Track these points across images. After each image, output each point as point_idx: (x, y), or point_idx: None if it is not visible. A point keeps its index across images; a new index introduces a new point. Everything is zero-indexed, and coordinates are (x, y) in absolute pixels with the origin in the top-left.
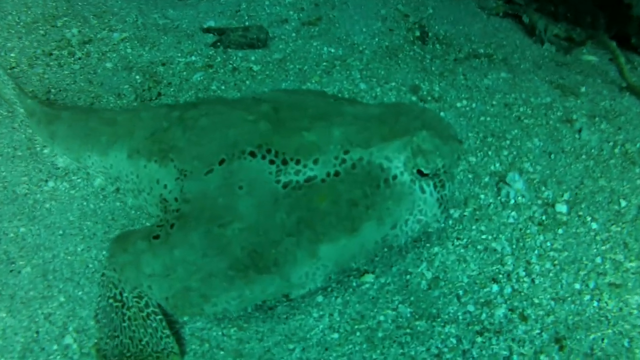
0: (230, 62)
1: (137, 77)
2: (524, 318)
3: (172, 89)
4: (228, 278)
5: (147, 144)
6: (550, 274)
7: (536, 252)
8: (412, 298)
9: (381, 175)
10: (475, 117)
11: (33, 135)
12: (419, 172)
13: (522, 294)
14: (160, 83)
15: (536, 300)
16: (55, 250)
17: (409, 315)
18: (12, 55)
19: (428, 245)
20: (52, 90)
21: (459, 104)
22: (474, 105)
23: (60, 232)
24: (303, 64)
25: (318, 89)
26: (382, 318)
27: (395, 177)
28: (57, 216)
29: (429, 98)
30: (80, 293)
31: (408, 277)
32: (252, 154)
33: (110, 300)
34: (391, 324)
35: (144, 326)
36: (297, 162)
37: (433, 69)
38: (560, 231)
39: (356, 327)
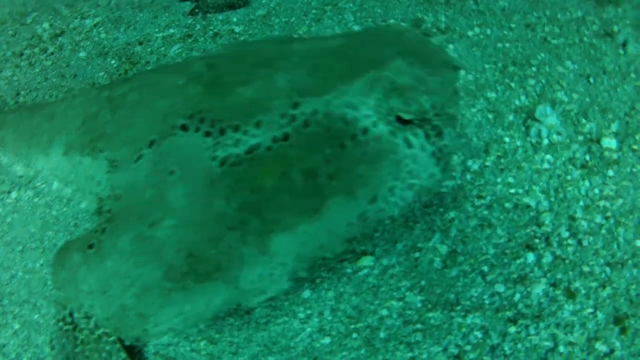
0: (211, 27)
1: (113, 62)
2: (571, 294)
3: (149, 68)
4: (164, 291)
5: (79, 135)
6: (603, 231)
7: (581, 203)
8: (423, 282)
9: (346, 131)
10: (491, 45)
11: None
12: (398, 118)
13: (567, 261)
14: (137, 64)
15: (586, 269)
16: (14, 270)
17: (419, 305)
18: None
19: (441, 209)
20: (22, 92)
21: (470, 33)
22: (488, 31)
23: (20, 247)
24: (290, 15)
25: (287, 35)
26: (385, 312)
27: (365, 130)
28: (18, 230)
29: (434, 30)
30: (36, 316)
31: (417, 254)
32: (184, 128)
33: (60, 324)
34: (397, 319)
35: (97, 350)
36: (236, 128)
37: None
38: (610, 173)
39: (352, 327)
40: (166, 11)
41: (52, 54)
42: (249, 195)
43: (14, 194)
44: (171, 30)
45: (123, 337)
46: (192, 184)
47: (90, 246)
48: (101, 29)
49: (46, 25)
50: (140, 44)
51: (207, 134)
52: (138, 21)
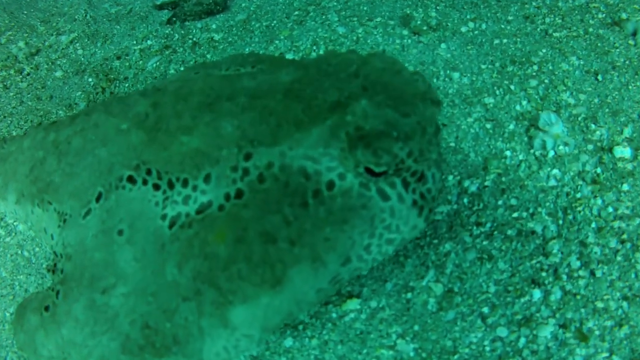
0: (190, 36)
1: (90, 79)
2: (583, 336)
3: (127, 84)
4: None
5: (29, 183)
6: (618, 258)
7: (594, 225)
8: (416, 327)
9: (307, 186)
10: (487, 42)
11: None
12: (368, 170)
13: (579, 297)
14: (114, 81)
15: (600, 305)
16: None
17: (412, 354)
18: None
19: (435, 241)
20: None
21: (464, 28)
22: (483, 26)
23: None
24: (271, 19)
25: (252, 51)
26: None
27: (331, 184)
28: None
29: (425, 28)
30: None
31: (409, 295)
32: (131, 180)
33: None
34: None
35: None
36: (184, 182)
37: None
38: (625, 187)
39: None
40: (143, 21)
41: (28, 74)
42: (202, 262)
43: None
44: (149, 42)
45: None
46: (142, 247)
47: (46, 308)
48: (77, 44)
49: (22, 44)
50: (118, 58)
51: (156, 187)
52: (115, 34)
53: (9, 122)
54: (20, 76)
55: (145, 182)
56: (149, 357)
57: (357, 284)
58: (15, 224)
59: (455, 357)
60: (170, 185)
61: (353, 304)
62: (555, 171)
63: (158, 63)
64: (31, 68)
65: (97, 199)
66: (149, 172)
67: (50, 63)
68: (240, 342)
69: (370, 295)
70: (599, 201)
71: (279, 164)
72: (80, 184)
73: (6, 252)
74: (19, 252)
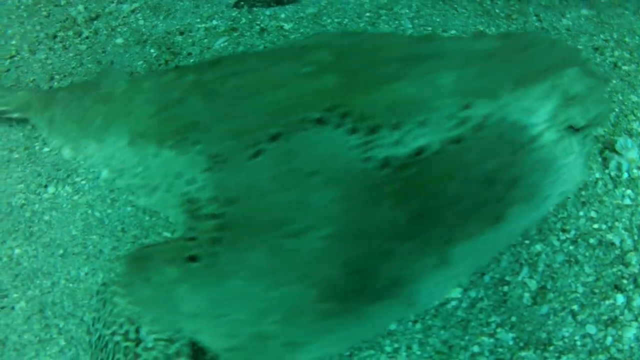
0: (257, 22)
1: (152, 50)
2: None
3: (192, 60)
4: (321, 315)
5: (155, 124)
6: None
7: None
8: (513, 318)
9: (518, 138)
10: None
11: (31, 131)
12: (569, 127)
13: None
14: (178, 54)
15: None
16: (55, 277)
17: (511, 342)
18: (12, 42)
19: (527, 241)
20: (56, 77)
21: None
22: None
23: (61, 251)
24: (342, 16)
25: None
26: (476, 349)
27: (535, 137)
28: (57, 230)
29: None
30: (84, 333)
31: (506, 288)
32: (321, 121)
33: (118, 338)
34: (489, 356)
35: None
36: (395, 127)
37: (497, 11)
38: None
39: None
40: (208, 1)
41: (87, 38)
42: (426, 202)
43: (51, 189)
44: (214, 22)
45: None
46: (344, 188)
47: (193, 259)
48: (139, 15)
49: (81, 7)
50: (181, 34)
51: (353, 130)
52: (178, 10)
53: (69, 81)
54: (79, 39)
55: (338, 126)
56: (357, 304)
57: None
58: (83, 182)
59: (551, 348)
60: (373, 131)
61: (455, 292)
62: (629, 191)
63: (226, 43)
64: (90, 32)
65: (272, 139)
66: (344, 115)
67: (109, 29)
68: (450, 281)
69: (469, 285)
70: None
71: (499, 115)
72: (243, 124)
73: (75, 210)
74: (89, 211)
